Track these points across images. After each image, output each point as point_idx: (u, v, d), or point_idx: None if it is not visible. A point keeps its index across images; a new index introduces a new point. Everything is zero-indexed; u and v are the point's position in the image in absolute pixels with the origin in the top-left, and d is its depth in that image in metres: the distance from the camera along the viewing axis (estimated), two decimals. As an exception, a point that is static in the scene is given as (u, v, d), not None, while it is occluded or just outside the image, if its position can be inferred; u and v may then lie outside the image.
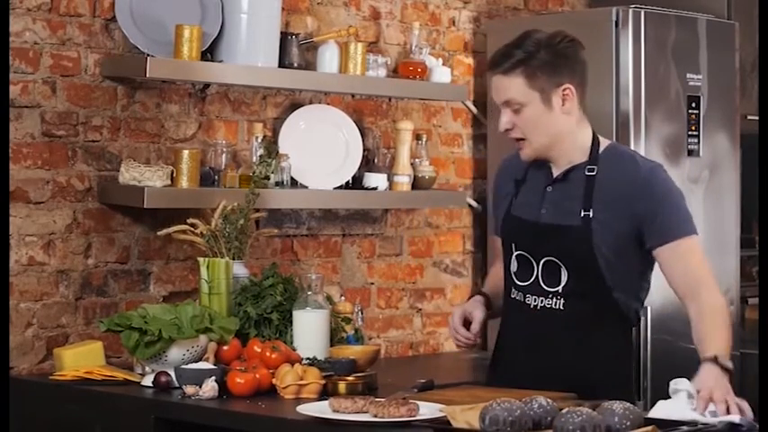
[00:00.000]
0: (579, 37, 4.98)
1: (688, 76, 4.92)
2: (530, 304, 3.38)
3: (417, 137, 4.98)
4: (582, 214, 3.30)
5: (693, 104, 4.92)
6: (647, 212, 3.28)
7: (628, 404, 2.82)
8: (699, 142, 4.93)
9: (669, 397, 3.05)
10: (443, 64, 5.02)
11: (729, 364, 3.14)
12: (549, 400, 2.85)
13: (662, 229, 3.29)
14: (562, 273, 3.32)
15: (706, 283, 3.30)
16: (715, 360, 3.13)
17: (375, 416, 2.98)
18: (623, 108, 4.76)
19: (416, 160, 4.94)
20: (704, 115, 4.94)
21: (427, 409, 3.01)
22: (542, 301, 3.36)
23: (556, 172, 3.39)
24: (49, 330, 4.13)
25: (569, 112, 3.33)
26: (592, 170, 3.34)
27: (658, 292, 4.73)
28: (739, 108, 5.12)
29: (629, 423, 2.77)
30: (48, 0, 4.14)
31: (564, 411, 2.76)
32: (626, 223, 3.29)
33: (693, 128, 4.91)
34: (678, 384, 3.05)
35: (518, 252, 3.40)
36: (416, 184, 4.90)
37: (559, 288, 3.33)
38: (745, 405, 3.04)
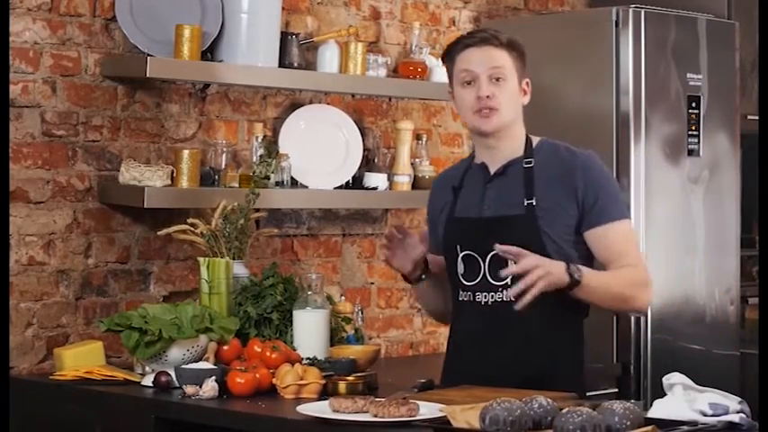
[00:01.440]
0: (579, 37, 5.02)
1: (688, 76, 4.91)
2: (480, 301, 3.42)
3: (417, 137, 4.98)
4: (525, 203, 3.39)
5: (693, 104, 4.91)
6: (586, 197, 3.38)
7: (628, 404, 2.82)
8: (699, 142, 4.92)
9: (665, 394, 3.05)
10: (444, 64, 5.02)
11: (578, 275, 3.27)
12: (549, 399, 2.85)
13: (602, 210, 3.38)
14: (509, 264, 3.34)
15: (638, 260, 3.43)
16: (569, 268, 3.26)
17: (375, 416, 2.98)
18: (623, 108, 4.76)
19: (416, 160, 4.95)
20: (704, 115, 4.94)
21: (427, 409, 3.01)
22: (492, 296, 3.41)
23: (493, 169, 3.47)
24: (49, 330, 4.13)
25: (523, 104, 3.48)
26: (529, 162, 3.44)
27: (658, 293, 4.74)
28: (739, 108, 5.12)
29: (629, 423, 2.77)
30: (48, 0, 4.14)
31: (564, 411, 2.76)
32: (568, 208, 3.38)
33: (693, 128, 4.91)
34: (671, 379, 3.06)
35: (464, 253, 3.45)
36: (416, 183, 4.90)
37: (507, 280, 3.36)
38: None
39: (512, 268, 3.27)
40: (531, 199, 3.38)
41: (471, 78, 3.44)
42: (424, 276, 3.57)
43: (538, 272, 3.23)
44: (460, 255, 3.46)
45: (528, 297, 3.23)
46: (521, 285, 3.23)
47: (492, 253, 3.37)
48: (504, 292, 3.38)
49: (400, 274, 3.62)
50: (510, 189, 3.42)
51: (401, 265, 3.55)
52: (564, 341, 3.41)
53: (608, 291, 3.37)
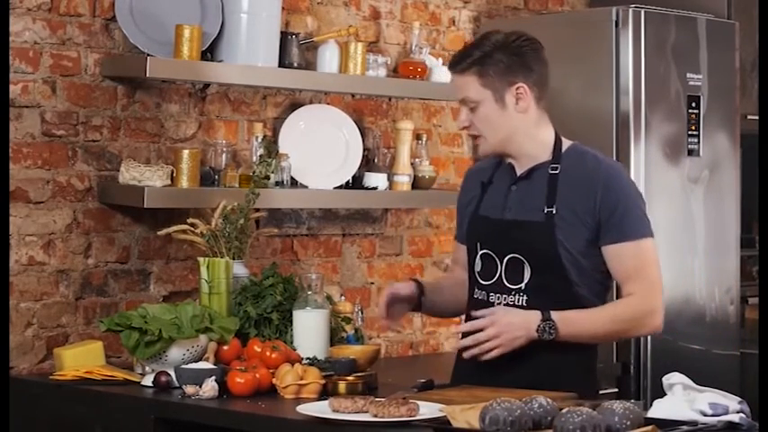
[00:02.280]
0: (579, 37, 5.01)
1: (688, 75, 4.92)
2: (493, 302, 3.41)
3: (417, 136, 4.98)
4: (545, 210, 3.36)
5: (693, 104, 4.92)
6: (603, 210, 3.33)
7: (628, 404, 2.82)
8: (699, 142, 4.93)
9: (665, 394, 3.05)
10: (443, 64, 5.02)
11: (549, 335, 3.29)
12: (548, 399, 2.85)
13: (618, 227, 3.34)
14: (525, 269, 3.36)
15: (648, 285, 3.36)
16: (546, 317, 3.28)
17: (375, 416, 2.98)
18: (623, 108, 4.76)
19: (416, 160, 4.94)
20: (704, 115, 4.94)
21: (427, 409, 3.01)
22: (505, 298, 3.39)
23: (519, 171, 3.44)
24: (48, 330, 4.13)
25: (524, 110, 3.40)
26: (555, 168, 3.40)
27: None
28: (739, 108, 5.12)
29: (629, 423, 2.77)
30: (48, 0, 4.14)
31: (564, 411, 2.76)
32: (587, 220, 3.34)
33: (693, 128, 4.92)
34: (671, 379, 3.06)
35: (482, 251, 3.45)
36: (416, 183, 4.90)
37: (522, 285, 3.37)
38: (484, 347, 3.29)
39: (467, 340, 3.32)
40: (552, 207, 3.35)
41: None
42: (422, 299, 3.60)
43: (494, 342, 3.30)
44: (479, 252, 3.45)
45: (480, 357, 3.33)
46: (474, 351, 3.32)
47: (509, 256, 3.38)
48: (518, 296, 3.38)
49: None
50: (533, 194, 3.39)
51: (399, 319, 3.67)
52: (574, 346, 3.37)
53: (593, 333, 3.38)
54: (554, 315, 3.30)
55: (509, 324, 3.30)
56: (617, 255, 3.35)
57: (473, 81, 3.38)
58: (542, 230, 3.34)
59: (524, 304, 3.36)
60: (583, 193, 3.35)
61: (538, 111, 3.42)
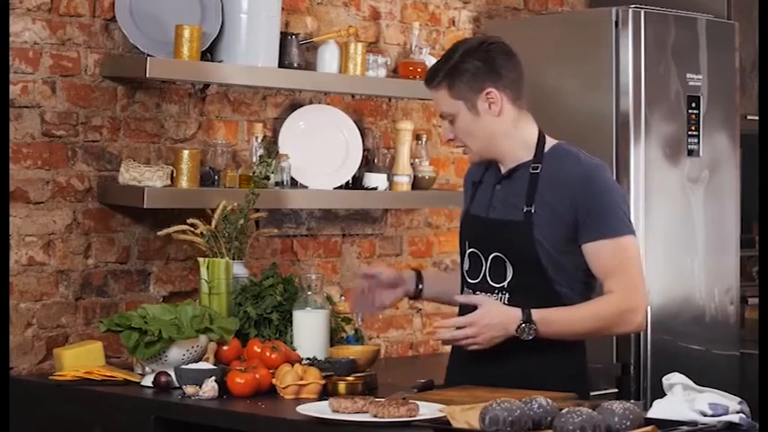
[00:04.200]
0: (579, 37, 5.01)
1: (688, 76, 4.91)
2: None
3: (417, 137, 4.98)
4: (524, 210, 3.37)
5: (693, 104, 4.92)
6: (584, 208, 3.33)
7: (628, 404, 2.82)
8: (699, 142, 4.92)
9: (665, 394, 3.05)
10: (443, 64, 5.01)
11: (528, 335, 3.30)
12: (548, 400, 2.85)
13: (596, 225, 3.33)
14: (507, 268, 3.39)
15: (628, 282, 3.35)
16: (527, 318, 3.29)
17: (375, 416, 2.98)
18: (623, 108, 4.76)
19: (416, 160, 4.95)
20: (704, 115, 4.94)
21: (427, 409, 3.01)
22: (490, 297, 3.40)
23: (503, 170, 3.47)
24: (48, 330, 4.14)
25: (498, 114, 3.40)
26: (536, 168, 3.40)
27: (658, 293, 4.74)
28: (739, 108, 5.12)
29: (628, 423, 2.78)
30: (48, 0, 4.14)
31: (564, 411, 2.76)
32: (566, 218, 3.34)
33: (693, 128, 4.91)
34: (671, 379, 3.06)
35: (470, 250, 3.48)
36: (416, 184, 4.90)
37: (505, 284, 3.39)
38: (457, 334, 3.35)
39: (455, 333, 3.36)
40: (531, 206, 3.36)
41: None
42: (420, 288, 3.68)
43: (470, 341, 3.33)
44: (467, 251, 3.48)
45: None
46: (448, 339, 3.41)
47: (493, 254, 3.40)
48: (501, 294, 3.40)
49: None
50: (515, 193, 3.41)
51: (364, 311, 3.87)
52: (564, 343, 3.39)
53: (574, 332, 3.38)
54: (535, 315, 3.30)
55: (487, 326, 3.32)
56: (595, 252, 3.35)
57: (444, 95, 3.41)
58: (521, 229, 3.36)
59: (506, 302, 3.38)
60: (562, 192, 3.35)
61: (515, 111, 3.41)
